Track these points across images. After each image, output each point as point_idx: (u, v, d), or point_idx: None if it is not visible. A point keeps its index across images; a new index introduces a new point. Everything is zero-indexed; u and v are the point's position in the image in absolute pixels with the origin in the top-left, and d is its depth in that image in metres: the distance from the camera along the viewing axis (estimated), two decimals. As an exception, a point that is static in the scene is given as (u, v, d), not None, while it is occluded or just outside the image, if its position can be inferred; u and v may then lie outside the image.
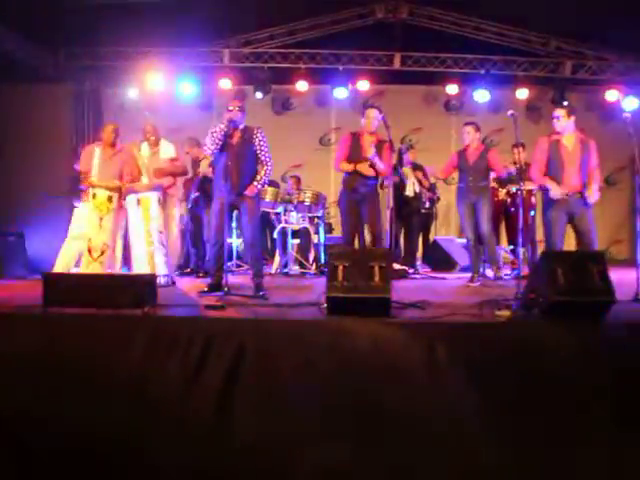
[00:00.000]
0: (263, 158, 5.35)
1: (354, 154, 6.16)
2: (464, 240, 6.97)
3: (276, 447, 2.93)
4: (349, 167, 6.14)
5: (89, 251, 5.69)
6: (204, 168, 7.23)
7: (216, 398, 3.09)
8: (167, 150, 6.67)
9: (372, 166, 6.04)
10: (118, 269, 6.14)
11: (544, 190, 5.40)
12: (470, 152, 6.52)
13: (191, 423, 3.04)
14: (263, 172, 5.34)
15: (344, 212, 6.29)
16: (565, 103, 9.52)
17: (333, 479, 2.84)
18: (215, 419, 3.04)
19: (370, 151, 5.99)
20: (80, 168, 6.25)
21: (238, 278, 6.51)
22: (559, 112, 5.39)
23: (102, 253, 5.75)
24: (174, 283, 6.10)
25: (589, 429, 2.98)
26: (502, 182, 7.31)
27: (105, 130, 6.31)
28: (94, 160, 6.09)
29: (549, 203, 5.33)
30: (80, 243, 5.95)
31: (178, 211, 7.11)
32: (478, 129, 6.59)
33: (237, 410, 3.04)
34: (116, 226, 5.95)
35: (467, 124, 6.66)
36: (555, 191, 5.24)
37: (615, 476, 2.85)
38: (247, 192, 5.25)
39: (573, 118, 5.38)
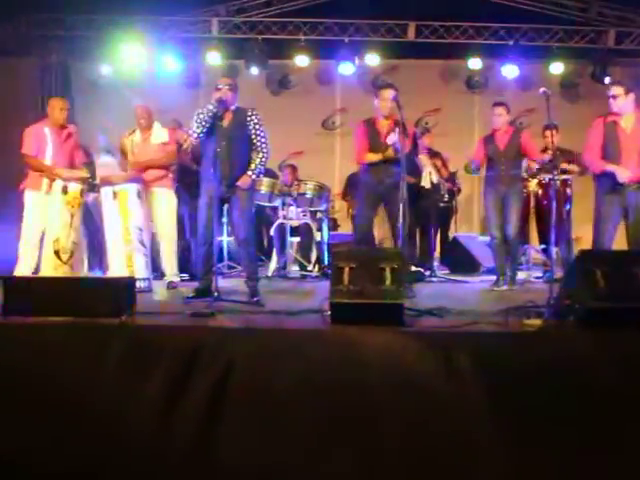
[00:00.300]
0: (259, 144, 5.34)
1: (373, 143, 6.13)
2: (487, 237, 6.96)
3: (264, 472, 2.96)
4: (376, 157, 6.09)
5: (57, 253, 5.68)
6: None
7: (200, 418, 3.11)
8: (159, 134, 6.48)
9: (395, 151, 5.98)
10: (86, 272, 6.15)
11: (600, 178, 5.39)
12: (499, 136, 6.49)
13: (172, 445, 3.06)
14: (258, 160, 5.33)
15: (363, 205, 6.24)
16: (607, 79, 9.57)
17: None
18: (199, 440, 3.06)
19: (391, 137, 5.95)
20: (29, 152, 5.98)
21: (230, 282, 6.53)
22: (616, 90, 5.38)
23: (71, 255, 5.77)
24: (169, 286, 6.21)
25: (631, 455, 2.99)
26: (533, 171, 7.29)
27: (54, 106, 6.10)
28: (48, 144, 5.96)
29: (602, 196, 5.32)
30: (37, 241, 5.86)
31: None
32: (509, 110, 6.61)
33: (224, 430, 3.07)
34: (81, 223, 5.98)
35: (498, 105, 6.61)
36: (622, 174, 5.23)
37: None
38: (240, 183, 5.25)
39: (632, 96, 5.38)
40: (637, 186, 5.26)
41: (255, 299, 5.13)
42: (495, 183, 6.41)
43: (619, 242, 5.55)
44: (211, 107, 5.15)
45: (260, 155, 5.34)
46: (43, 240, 5.82)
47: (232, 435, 3.07)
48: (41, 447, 3.08)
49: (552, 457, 2.97)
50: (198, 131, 5.21)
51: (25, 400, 3.25)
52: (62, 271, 5.65)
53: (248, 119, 5.31)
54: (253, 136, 5.32)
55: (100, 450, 3.06)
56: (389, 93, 5.99)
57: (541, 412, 3.12)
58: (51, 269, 5.63)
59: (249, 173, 5.29)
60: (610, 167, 5.30)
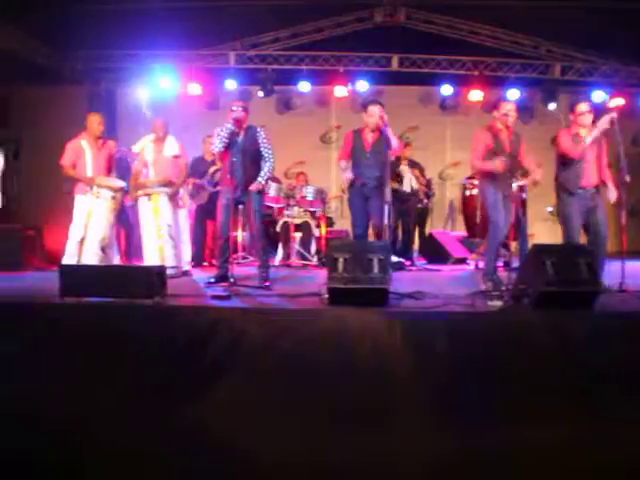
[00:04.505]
0: (266, 155, 5.35)
1: (356, 150, 5.94)
2: (458, 233, 6.84)
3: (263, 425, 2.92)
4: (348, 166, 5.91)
5: (103, 249, 5.67)
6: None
7: (214, 378, 3.13)
8: (172, 147, 6.27)
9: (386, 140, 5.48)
10: (118, 261, 6.20)
11: (563, 183, 5.07)
12: (505, 137, 5.15)
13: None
14: (266, 169, 5.34)
15: (355, 206, 5.73)
16: (551, 106, 9.59)
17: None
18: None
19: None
20: (65, 163, 5.81)
21: (244, 269, 6.51)
22: (585, 107, 5.05)
23: (110, 249, 5.85)
24: (185, 274, 6.17)
25: (588, 413, 2.97)
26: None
27: (92, 120, 5.90)
28: (86, 155, 5.82)
29: (566, 198, 5.03)
30: (81, 238, 5.71)
31: (188, 206, 6.93)
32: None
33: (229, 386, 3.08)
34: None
35: (508, 101, 5.34)
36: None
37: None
38: (251, 188, 5.24)
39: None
40: (596, 189, 5.09)
41: (266, 284, 5.12)
42: (499, 181, 5.05)
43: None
44: (229, 126, 5.15)
45: (267, 164, 5.35)
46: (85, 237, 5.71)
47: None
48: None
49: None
50: (220, 146, 5.20)
51: (82, 365, 3.29)
52: (104, 262, 5.64)
53: (257, 134, 5.32)
54: (262, 149, 5.33)
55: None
56: (375, 109, 5.78)
57: (501, 378, 3.13)
58: (96, 262, 5.59)
59: (259, 180, 5.29)
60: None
